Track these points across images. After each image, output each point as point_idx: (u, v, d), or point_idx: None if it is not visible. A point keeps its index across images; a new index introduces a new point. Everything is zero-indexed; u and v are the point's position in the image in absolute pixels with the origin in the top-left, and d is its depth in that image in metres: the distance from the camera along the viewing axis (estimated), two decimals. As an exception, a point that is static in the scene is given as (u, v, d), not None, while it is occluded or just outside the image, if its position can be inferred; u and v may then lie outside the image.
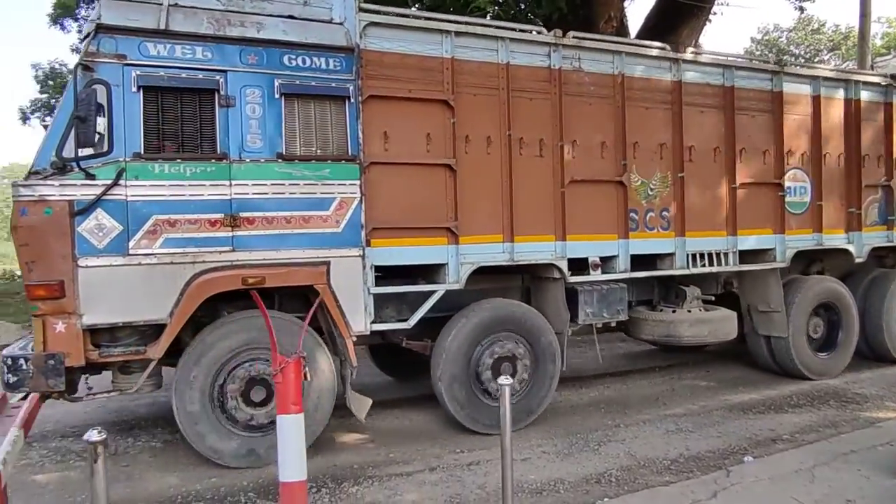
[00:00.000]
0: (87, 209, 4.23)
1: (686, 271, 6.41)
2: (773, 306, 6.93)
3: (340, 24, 5.04)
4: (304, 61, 4.87)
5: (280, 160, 4.75)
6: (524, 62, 5.65)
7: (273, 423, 4.39)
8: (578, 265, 5.93)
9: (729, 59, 6.76)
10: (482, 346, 5.50)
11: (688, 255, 6.41)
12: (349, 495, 4.31)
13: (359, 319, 4.99)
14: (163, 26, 4.46)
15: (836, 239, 7.39)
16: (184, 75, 4.51)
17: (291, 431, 3.32)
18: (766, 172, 6.86)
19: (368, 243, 5.05)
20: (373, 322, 5.09)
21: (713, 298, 7.01)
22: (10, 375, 4.11)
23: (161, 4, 4.54)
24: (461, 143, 5.38)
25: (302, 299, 5.04)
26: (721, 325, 6.64)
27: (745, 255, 6.83)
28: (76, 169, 4.21)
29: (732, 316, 6.76)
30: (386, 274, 5.43)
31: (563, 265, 5.77)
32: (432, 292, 5.32)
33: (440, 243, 5.32)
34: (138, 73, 4.38)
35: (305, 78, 4.85)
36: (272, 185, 4.73)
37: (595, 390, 6.96)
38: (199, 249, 4.53)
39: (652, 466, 4.74)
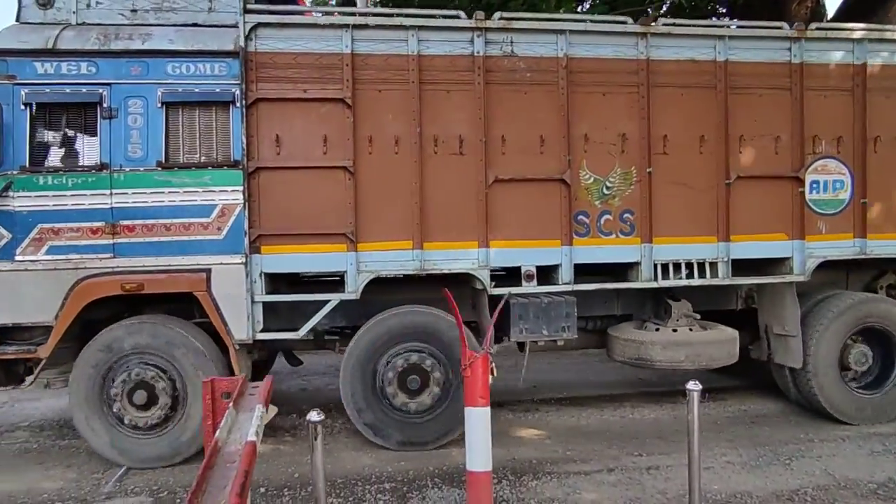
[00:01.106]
0: (-12, 217, 4.63)
1: (654, 284, 5.43)
2: (788, 329, 5.61)
3: (234, 26, 4.96)
4: (188, 69, 4.87)
5: (160, 168, 4.81)
6: (440, 51, 5.13)
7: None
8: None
9: (724, 27, 5.57)
10: (386, 358, 5.14)
11: (657, 265, 5.42)
12: (529, 489, 4.46)
13: (241, 327, 4.89)
14: (50, 45, 4.72)
15: (891, 246, 5.79)
16: (68, 90, 4.75)
17: (479, 424, 3.57)
18: (779, 164, 5.56)
19: (257, 250, 4.94)
20: (262, 330, 4.98)
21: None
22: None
23: (57, 24, 4.83)
24: (363, 143, 5.03)
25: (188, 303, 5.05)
26: (706, 348, 5.51)
27: (761, 266, 5.65)
28: (-32, 182, 4.63)
29: (727, 339, 5.58)
30: (301, 281, 5.29)
31: (484, 275, 5.16)
32: (330, 302, 5.06)
33: (339, 250, 5.04)
34: (26, 91, 4.69)
35: (189, 85, 4.86)
36: (151, 193, 4.80)
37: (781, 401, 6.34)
38: (81, 256, 4.75)
39: (855, 488, 4.41)
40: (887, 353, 5.81)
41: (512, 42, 5.21)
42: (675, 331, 5.65)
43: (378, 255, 5.09)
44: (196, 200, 4.85)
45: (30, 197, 4.70)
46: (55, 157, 4.80)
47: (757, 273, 5.70)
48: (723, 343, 5.55)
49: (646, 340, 5.55)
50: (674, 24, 5.50)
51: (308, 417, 3.17)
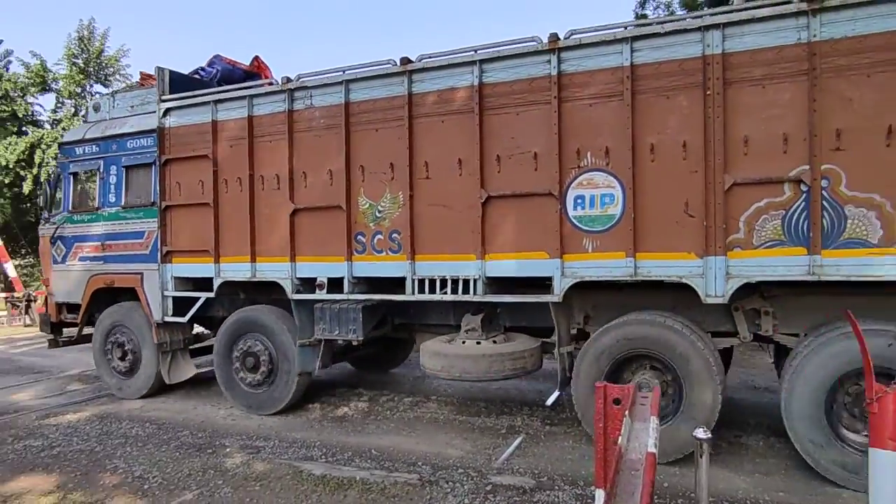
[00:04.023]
0: (52, 239, 8.17)
1: (421, 297, 5.96)
2: (561, 350, 5.49)
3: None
4: (138, 143, 7.57)
5: (122, 208, 7.63)
6: (265, 112, 6.71)
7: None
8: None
9: (479, 52, 5.66)
10: (239, 343, 7.00)
11: (417, 281, 5.94)
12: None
13: (158, 313, 7.38)
14: (80, 137, 7.99)
15: (666, 267, 5.00)
16: (85, 163, 7.93)
17: (886, 469, 3.10)
18: (538, 181, 5.43)
19: (169, 261, 7.34)
20: (171, 315, 7.36)
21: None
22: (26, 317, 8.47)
23: (101, 121, 8.07)
24: (222, 185, 6.98)
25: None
26: (460, 361, 5.76)
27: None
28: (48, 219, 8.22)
29: (485, 355, 5.71)
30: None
31: (288, 284, 6.56)
32: (201, 298, 7.17)
33: (208, 262, 7.09)
34: (71, 165, 8.05)
35: (137, 154, 7.56)
36: (117, 224, 7.67)
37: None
38: (91, 263, 7.90)
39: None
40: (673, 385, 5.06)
41: (311, 97, 6.46)
42: (463, 343, 6.03)
43: (231, 266, 6.97)
44: (136, 228, 7.54)
45: (71, 227, 8.05)
46: (80, 203, 8.06)
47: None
48: (479, 359, 5.72)
49: (423, 349, 6.11)
50: (430, 58, 5.89)
51: (695, 433, 3.03)
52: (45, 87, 24.90)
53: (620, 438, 2.46)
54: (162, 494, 4.80)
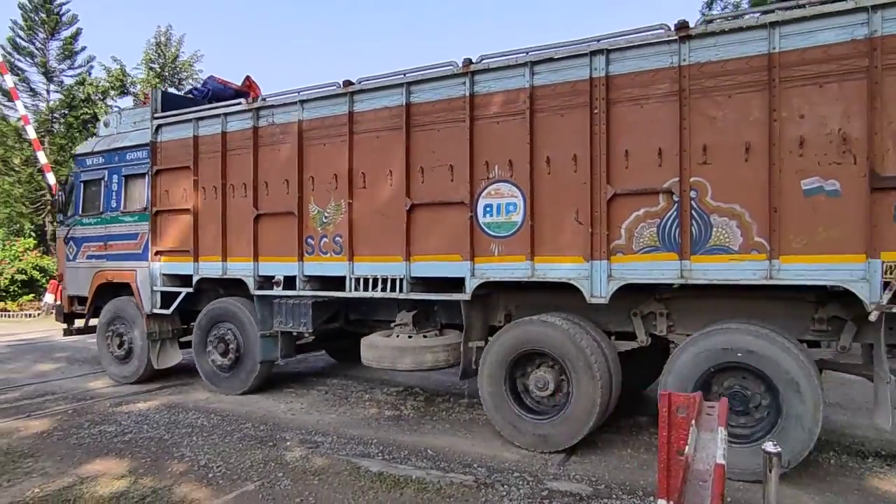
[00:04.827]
0: (65, 239, 9.26)
1: (357, 294, 6.63)
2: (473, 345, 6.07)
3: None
4: (135, 155, 8.55)
5: (121, 213, 8.61)
6: (236, 128, 7.54)
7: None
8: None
9: (408, 75, 6.30)
10: (213, 331, 7.85)
11: (354, 279, 6.61)
12: None
13: (147, 305, 8.30)
14: (90, 150, 9.05)
15: (558, 269, 5.49)
16: (94, 173, 8.97)
17: None
18: (452, 191, 6.02)
19: (157, 260, 8.26)
20: (159, 307, 8.27)
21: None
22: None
23: (109, 136, 9.12)
24: (200, 193, 7.86)
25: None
26: (390, 353, 6.38)
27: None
28: (62, 222, 9.32)
29: (410, 348, 6.32)
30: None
31: (251, 281, 7.34)
32: (182, 293, 8.04)
33: (189, 261, 7.96)
34: (82, 174, 9.11)
35: (134, 165, 8.53)
36: (118, 226, 8.65)
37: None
38: (96, 261, 8.92)
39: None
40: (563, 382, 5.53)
41: (273, 114, 7.24)
42: (397, 337, 6.65)
43: (206, 265, 7.83)
44: (132, 230, 8.50)
45: (81, 229, 9.11)
46: (88, 208, 9.10)
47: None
48: (405, 350, 6.33)
49: (363, 342, 6.74)
50: (367, 81, 6.57)
51: (764, 447, 2.88)
52: (123, 91, 26.57)
53: (687, 448, 2.38)
54: (225, 483, 4.94)
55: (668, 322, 5.62)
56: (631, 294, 5.55)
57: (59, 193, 9.56)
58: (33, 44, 25.77)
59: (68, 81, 26.29)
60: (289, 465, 5.32)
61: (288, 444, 5.92)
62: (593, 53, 5.36)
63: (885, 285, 4.41)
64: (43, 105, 25.80)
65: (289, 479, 5.00)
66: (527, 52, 5.70)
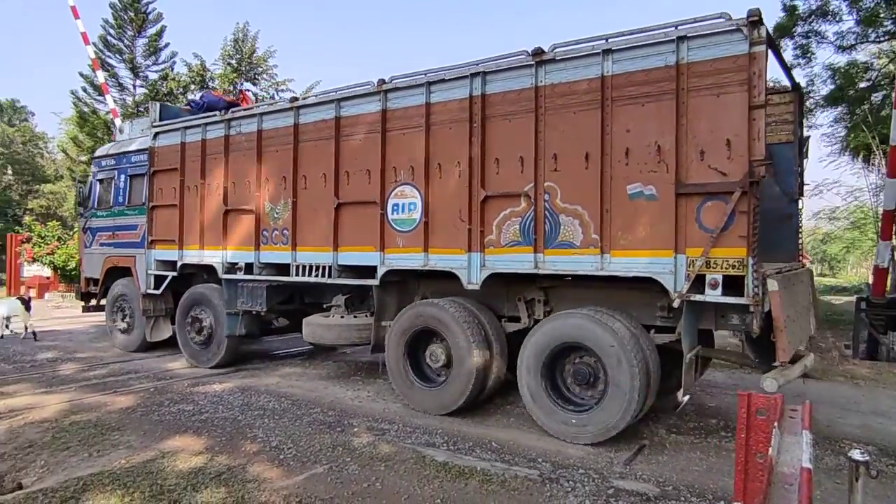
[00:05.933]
0: (83, 229, 10.81)
1: (293, 279, 7.75)
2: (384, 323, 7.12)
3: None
4: (138, 158, 9.97)
5: (126, 207, 10.06)
6: (212, 136, 8.79)
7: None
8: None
9: (338, 92, 7.34)
10: (191, 311, 9.15)
11: (299, 266, 7.71)
12: None
13: (144, 286, 9.69)
14: (104, 153, 10.56)
15: (446, 260, 6.42)
16: (106, 172, 10.47)
17: None
18: (369, 192, 7.04)
19: (153, 247, 9.63)
20: (153, 289, 9.65)
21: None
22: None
23: (123, 141, 10.62)
24: (185, 191, 9.17)
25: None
26: (321, 329, 7.52)
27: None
28: (82, 214, 10.88)
29: (337, 325, 7.41)
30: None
31: (220, 267, 8.58)
32: (169, 276, 9.38)
33: (174, 249, 9.29)
34: (97, 174, 10.63)
35: (137, 167, 9.96)
36: (123, 218, 10.11)
37: None
38: (106, 248, 10.41)
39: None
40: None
41: (241, 125, 8.45)
42: (332, 316, 7.75)
43: (188, 252, 9.13)
44: (133, 222, 9.94)
45: (95, 221, 10.64)
46: (101, 203, 10.61)
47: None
48: (333, 328, 7.43)
49: (304, 322, 7.85)
50: (308, 98, 7.66)
51: (850, 454, 2.65)
52: (203, 85, 27.58)
53: (771, 450, 2.35)
54: (296, 465, 5.06)
55: (545, 308, 6.46)
56: (518, 282, 6.44)
57: (81, 189, 11.14)
58: (122, 41, 26.72)
59: (152, 76, 27.38)
60: (356, 451, 5.41)
61: (355, 430, 6.04)
62: (473, 75, 6.28)
63: (688, 277, 5.16)
64: (129, 99, 26.78)
65: (356, 464, 5.09)
66: (426, 74, 6.66)
